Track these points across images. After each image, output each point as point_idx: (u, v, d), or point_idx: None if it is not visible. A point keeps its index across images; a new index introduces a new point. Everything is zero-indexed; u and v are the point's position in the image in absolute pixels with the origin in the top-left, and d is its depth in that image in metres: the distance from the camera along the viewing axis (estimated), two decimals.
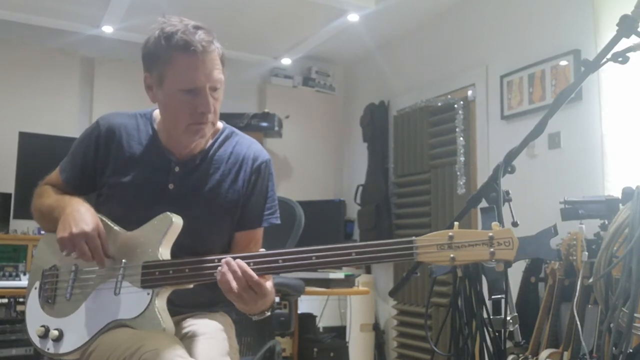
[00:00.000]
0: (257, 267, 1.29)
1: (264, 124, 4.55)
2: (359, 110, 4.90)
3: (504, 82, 3.51)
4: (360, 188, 4.77)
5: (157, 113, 1.59)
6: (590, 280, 2.21)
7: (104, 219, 1.46)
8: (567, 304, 2.61)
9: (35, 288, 1.49)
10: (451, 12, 4.04)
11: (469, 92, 3.87)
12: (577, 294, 2.42)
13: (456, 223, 1.20)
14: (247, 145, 1.61)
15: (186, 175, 1.53)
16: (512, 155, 1.52)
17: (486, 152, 3.65)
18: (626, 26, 1.43)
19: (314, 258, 1.27)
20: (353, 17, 4.13)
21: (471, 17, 3.87)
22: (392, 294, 2.21)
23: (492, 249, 1.15)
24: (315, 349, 3.53)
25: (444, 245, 1.18)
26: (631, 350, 1.91)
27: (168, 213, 1.41)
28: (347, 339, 4.13)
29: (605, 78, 2.89)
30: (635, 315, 1.90)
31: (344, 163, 5.30)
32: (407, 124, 4.41)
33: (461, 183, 3.78)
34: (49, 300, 1.45)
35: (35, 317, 1.46)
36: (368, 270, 4.70)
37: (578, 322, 2.38)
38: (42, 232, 1.62)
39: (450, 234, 1.18)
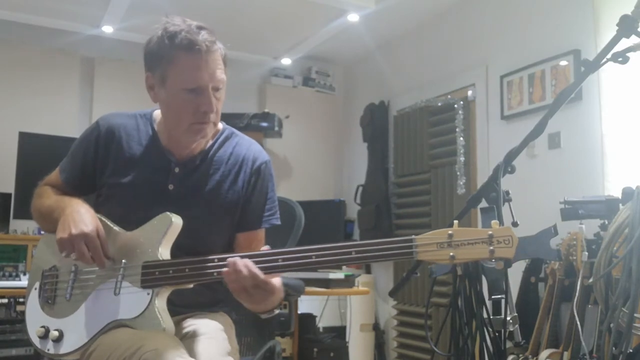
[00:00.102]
0: (259, 267, 1.29)
1: (264, 124, 4.55)
2: (359, 110, 4.90)
3: (504, 82, 3.51)
4: (360, 188, 4.77)
5: (157, 113, 1.59)
6: (590, 280, 2.21)
7: (103, 219, 1.46)
8: (567, 304, 2.61)
9: (35, 288, 1.49)
10: (451, 12, 4.04)
11: (469, 92, 3.87)
12: (577, 294, 2.42)
13: (456, 222, 1.20)
14: (247, 146, 1.62)
15: (186, 176, 1.53)
16: (512, 155, 1.52)
17: (486, 152, 3.65)
18: (626, 26, 1.43)
19: (313, 257, 1.27)
20: (353, 17, 4.13)
21: (471, 17, 3.87)
22: (392, 294, 2.22)
23: (491, 247, 1.15)
24: (315, 349, 3.53)
25: (443, 243, 1.18)
26: (631, 350, 1.91)
27: (168, 213, 1.41)
28: (347, 339, 4.13)
29: (605, 78, 2.90)
30: (635, 315, 1.90)
31: (344, 163, 5.30)
32: (407, 124, 4.41)
33: (461, 183, 3.78)
34: (48, 301, 1.45)
35: (35, 318, 1.46)
36: (368, 270, 4.70)
37: (578, 322, 2.38)
38: (42, 232, 1.62)
39: (450, 232, 1.18)
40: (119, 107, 1.74)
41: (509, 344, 2.34)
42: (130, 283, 1.37)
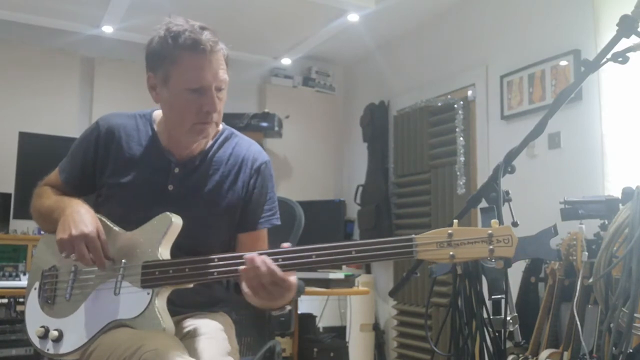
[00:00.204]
0: None
1: (264, 124, 4.55)
2: (359, 110, 4.90)
3: (504, 82, 3.51)
4: (360, 188, 4.77)
5: (156, 114, 1.59)
6: (590, 280, 2.21)
7: (103, 219, 1.46)
8: (567, 304, 2.61)
9: (35, 288, 1.49)
10: (451, 12, 4.04)
11: (469, 92, 3.87)
12: (577, 294, 2.42)
13: (455, 221, 1.20)
14: (247, 146, 1.62)
15: (186, 176, 1.53)
16: (512, 155, 1.52)
17: (486, 152, 3.65)
18: (626, 26, 1.43)
19: (314, 256, 1.27)
20: (353, 17, 4.13)
21: (471, 17, 3.87)
22: (392, 294, 2.22)
23: (491, 247, 1.15)
24: (315, 349, 3.53)
25: (443, 242, 1.18)
26: (631, 350, 1.91)
27: (167, 213, 1.41)
28: (347, 339, 4.13)
29: (605, 78, 2.90)
30: (635, 315, 1.90)
31: (344, 163, 5.30)
32: (407, 124, 4.41)
33: (461, 183, 3.78)
34: (48, 301, 1.45)
35: (35, 318, 1.45)
36: (368, 270, 4.70)
37: (578, 322, 2.38)
38: (42, 232, 1.62)
39: (450, 231, 1.18)
40: (119, 107, 1.74)
41: (509, 344, 2.34)
42: (130, 283, 1.37)
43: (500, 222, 1.30)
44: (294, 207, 2.11)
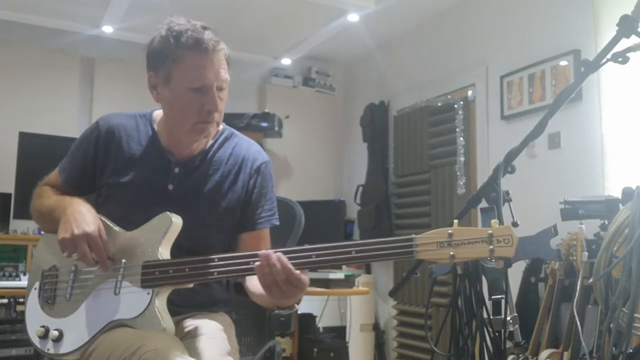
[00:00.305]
0: None
1: (264, 124, 4.55)
2: (359, 110, 4.90)
3: (504, 82, 3.51)
4: (360, 188, 4.77)
5: (157, 114, 1.59)
6: (590, 280, 2.21)
7: (103, 219, 1.46)
8: (567, 304, 2.61)
9: (35, 288, 1.49)
10: (451, 12, 4.04)
11: (469, 92, 3.87)
12: (577, 294, 2.42)
13: (455, 221, 1.20)
14: (247, 146, 1.62)
15: (186, 176, 1.53)
16: (512, 155, 1.52)
17: (486, 152, 3.65)
18: (626, 26, 1.43)
19: (314, 257, 1.27)
20: (353, 17, 4.13)
21: (471, 17, 3.87)
22: (392, 294, 2.22)
23: (491, 247, 1.15)
24: (315, 349, 3.54)
25: (443, 242, 1.18)
26: (631, 351, 1.91)
27: (168, 213, 1.41)
28: (347, 339, 4.13)
29: (605, 78, 2.90)
30: (635, 315, 1.90)
31: (344, 163, 5.30)
32: (407, 124, 4.41)
33: (461, 183, 3.78)
34: (48, 301, 1.45)
35: (35, 318, 1.45)
36: (368, 270, 4.70)
37: (578, 322, 2.38)
38: (42, 232, 1.62)
39: (450, 231, 1.18)
40: (119, 107, 1.74)
41: (509, 344, 2.34)
42: (130, 283, 1.37)
43: (501, 222, 1.30)
44: (294, 207, 2.10)
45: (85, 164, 1.56)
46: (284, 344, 3.44)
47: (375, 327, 4.51)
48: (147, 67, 1.49)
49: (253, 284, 1.50)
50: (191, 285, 1.40)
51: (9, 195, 3.45)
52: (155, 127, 1.57)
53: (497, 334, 1.51)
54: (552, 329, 2.63)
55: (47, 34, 4.27)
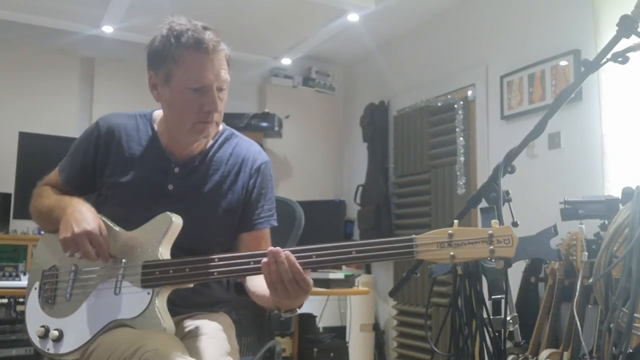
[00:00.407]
0: (259, 267, 1.29)
1: (264, 124, 4.55)
2: (359, 110, 4.90)
3: (504, 82, 3.51)
4: (360, 188, 4.77)
5: (157, 114, 1.59)
6: (590, 280, 2.21)
7: (103, 219, 1.46)
8: (567, 304, 2.61)
9: (35, 288, 1.49)
10: (451, 12, 4.04)
11: (469, 92, 3.87)
12: (577, 294, 2.42)
13: (456, 221, 1.20)
14: (247, 147, 1.62)
15: (185, 176, 1.53)
16: (512, 155, 1.52)
17: (486, 152, 3.65)
18: (626, 26, 1.43)
19: (314, 257, 1.27)
20: (353, 17, 4.13)
21: (471, 17, 3.87)
22: (392, 294, 2.21)
23: (491, 247, 1.15)
24: (315, 349, 3.54)
25: (444, 243, 1.18)
26: (631, 350, 1.91)
27: (168, 213, 1.41)
28: (347, 339, 4.13)
29: (605, 78, 2.90)
30: (635, 315, 1.90)
31: (344, 163, 5.30)
32: (407, 124, 4.41)
33: (461, 183, 3.78)
34: (48, 301, 1.45)
35: (35, 318, 1.45)
36: (368, 270, 4.70)
37: (578, 322, 2.38)
38: (42, 232, 1.62)
39: (450, 231, 1.18)
40: (119, 107, 1.74)
41: (509, 344, 2.34)
42: (131, 283, 1.37)
43: (501, 222, 1.30)
44: (294, 207, 2.10)
45: (85, 163, 1.56)
46: (284, 344, 3.44)
47: (375, 327, 4.51)
48: (148, 66, 1.49)
49: (254, 284, 1.50)
50: (191, 285, 1.40)
51: (9, 195, 3.45)
52: (156, 127, 1.57)
53: (497, 334, 1.51)
54: (552, 329, 2.63)
55: (47, 34, 4.27)
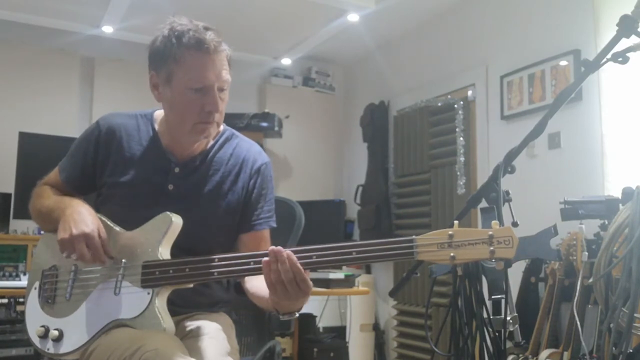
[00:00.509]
0: (259, 267, 1.29)
1: (264, 124, 4.55)
2: (359, 110, 4.90)
3: (504, 82, 3.51)
4: (360, 188, 4.77)
5: (157, 114, 1.59)
6: (590, 280, 2.21)
7: (103, 219, 1.46)
8: (567, 304, 2.61)
9: (35, 288, 1.49)
10: (451, 12, 4.04)
11: (469, 92, 3.87)
12: (577, 294, 2.42)
13: (456, 222, 1.20)
14: (247, 147, 1.62)
15: (186, 176, 1.53)
16: (512, 155, 1.52)
17: (486, 152, 3.65)
18: (626, 26, 1.43)
19: (314, 257, 1.27)
20: (353, 17, 4.13)
21: (471, 17, 3.87)
22: (392, 294, 2.21)
23: (492, 248, 1.15)
24: (315, 349, 3.54)
25: (444, 244, 1.18)
26: (631, 350, 1.91)
27: (168, 213, 1.41)
28: (347, 339, 4.13)
29: (605, 78, 2.90)
30: (635, 315, 1.90)
31: (344, 163, 5.30)
32: (407, 124, 4.41)
33: (461, 183, 3.78)
34: (48, 301, 1.45)
35: (35, 317, 1.45)
36: (368, 270, 4.70)
37: (578, 322, 2.38)
38: (42, 232, 1.62)
39: (450, 232, 1.18)
40: (119, 107, 1.74)
41: (509, 344, 2.34)
42: (131, 283, 1.37)
43: (501, 222, 1.30)
44: (294, 207, 2.10)
45: (85, 163, 1.56)
46: (284, 344, 3.44)
47: (375, 327, 4.51)
48: (149, 66, 1.49)
49: (252, 284, 1.50)
50: (191, 286, 1.40)
51: (9, 195, 3.45)
52: (156, 127, 1.57)
53: (497, 334, 1.51)
54: (552, 329, 2.63)
55: (47, 34, 4.27)
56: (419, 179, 4.25)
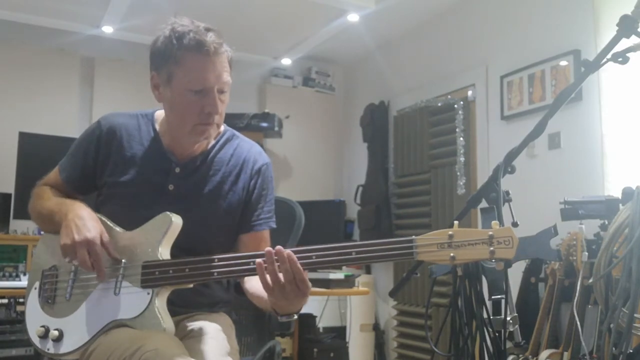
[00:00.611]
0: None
1: (264, 124, 4.55)
2: (359, 110, 4.90)
3: (504, 82, 3.51)
4: (360, 188, 4.77)
5: (158, 114, 1.59)
6: (590, 280, 2.21)
7: (103, 219, 1.46)
8: (567, 304, 2.61)
9: (35, 288, 1.49)
10: (451, 12, 4.04)
11: (469, 92, 3.87)
12: (577, 294, 2.42)
13: (456, 222, 1.20)
14: (248, 148, 1.62)
15: (186, 176, 1.53)
16: (512, 155, 1.52)
17: (486, 152, 3.65)
18: (626, 26, 1.43)
19: (314, 257, 1.27)
20: (353, 17, 4.13)
21: (471, 17, 3.87)
22: (392, 294, 2.21)
23: (492, 248, 1.15)
24: (315, 349, 3.53)
25: (444, 244, 1.18)
26: (631, 351, 1.91)
27: (168, 213, 1.41)
28: (347, 339, 4.13)
29: (605, 78, 2.90)
30: (635, 315, 1.90)
31: (344, 163, 5.30)
32: (407, 124, 4.41)
33: (461, 183, 3.78)
34: (48, 301, 1.45)
35: (35, 318, 1.45)
36: (368, 271, 4.70)
37: (578, 323, 2.38)
38: (42, 232, 1.62)
39: (450, 233, 1.18)
40: (119, 107, 1.74)
41: (509, 344, 2.34)
42: (130, 283, 1.37)
43: (501, 223, 1.30)
44: (294, 207, 2.10)
45: (86, 163, 1.56)
46: (284, 344, 3.44)
47: (375, 327, 4.51)
48: (150, 66, 1.49)
49: (252, 284, 1.50)
50: (191, 286, 1.40)
51: (9, 195, 3.45)
52: (157, 127, 1.57)
53: (497, 334, 1.51)
54: (552, 329, 2.63)
55: (47, 34, 4.27)
56: (419, 179, 4.25)
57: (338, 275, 3.27)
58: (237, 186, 1.56)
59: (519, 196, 1.68)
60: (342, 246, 1.26)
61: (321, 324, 4.10)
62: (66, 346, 1.39)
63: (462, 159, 3.80)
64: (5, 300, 2.97)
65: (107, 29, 4.33)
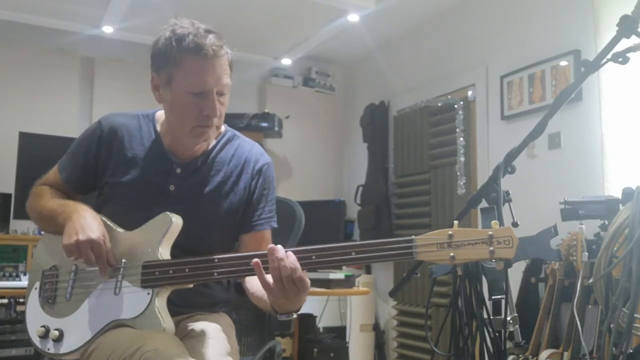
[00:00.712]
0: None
1: (264, 124, 4.55)
2: (359, 110, 4.90)
3: (504, 82, 3.51)
4: (360, 188, 4.77)
5: (159, 114, 1.59)
6: (590, 280, 2.21)
7: (104, 219, 1.47)
8: (567, 304, 2.61)
9: (36, 288, 1.49)
10: (451, 12, 4.04)
11: (469, 92, 3.87)
12: (577, 294, 2.42)
13: (456, 222, 1.20)
14: (249, 148, 1.62)
15: (187, 176, 1.53)
16: (512, 155, 1.52)
17: (486, 152, 3.65)
18: (626, 26, 1.43)
19: (314, 257, 1.27)
20: (353, 17, 4.13)
21: (471, 17, 3.87)
22: (392, 294, 2.21)
23: (491, 248, 1.15)
24: (315, 350, 3.53)
25: (443, 244, 1.18)
26: (631, 351, 1.91)
27: (168, 213, 1.41)
28: (347, 339, 4.13)
29: (605, 78, 2.90)
30: (635, 315, 1.90)
31: (344, 163, 5.30)
32: (407, 124, 4.41)
33: (461, 183, 3.78)
34: (49, 301, 1.45)
35: (36, 318, 1.46)
36: (368, 271, 4.70)
37: (578, 323, 2.38)
38: (42, 232, 1.62)
39: (450, 232, 1.18)
40: (119, 107, 1.74)
41: (509, 344, 2.34)
42: (130, 283, 1.37)
43: (501, 223, 1.30)
44: (294, 207, 2.10)
45: (86, 163, 1.56)
46: (284, 344, 3.44)
47: (375, 327, 4.51)
48: (151, 67, 1.50)
49: (252, 284, 1.50)
50: (191, 286, 1.40)
51: (9, 195, 3.45)
52: (158, 127, 1.57)
53: (497, 334, 1.51)
54: (552, 329, 2.63)
55: (47, 34, 4.27)
56: (419, 179, 4.25)
57: (338, 275, 3.27)
58: (239, 186, 1.57)
59: (519, 196, 1.68)
60: (342, 246, 1.27)
61: (321, 324, 4.10)
62: (66, 346, 1.39)
63: (462, 159, 3.80)
64: (5, 300, 2.97)
65: (107, 29, 4.33)
